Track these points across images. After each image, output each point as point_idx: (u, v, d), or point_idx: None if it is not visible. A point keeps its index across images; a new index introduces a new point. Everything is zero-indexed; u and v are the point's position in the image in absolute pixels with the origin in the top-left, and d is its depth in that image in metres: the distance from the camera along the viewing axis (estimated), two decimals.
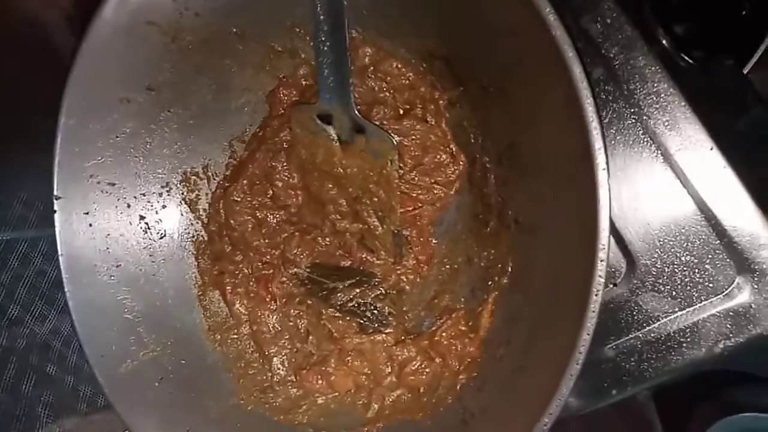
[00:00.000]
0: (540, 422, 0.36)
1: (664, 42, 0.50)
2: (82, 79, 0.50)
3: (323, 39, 0.46)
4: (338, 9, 0.45)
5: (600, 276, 0.35)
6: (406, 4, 0.49)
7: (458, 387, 0.50)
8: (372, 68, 0.53)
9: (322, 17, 0.45)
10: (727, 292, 0.47)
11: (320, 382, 0.56)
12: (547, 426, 0.37)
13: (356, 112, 0.50)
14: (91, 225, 0.54)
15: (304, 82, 0.57)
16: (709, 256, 0.48)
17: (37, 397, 0.74)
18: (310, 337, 0.56)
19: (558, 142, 0.41)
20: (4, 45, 0.69)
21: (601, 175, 0.34)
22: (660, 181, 0.49)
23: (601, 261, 0.35)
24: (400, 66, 0.53)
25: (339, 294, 0.55)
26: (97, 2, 0.48)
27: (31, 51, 0.71)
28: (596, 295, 0.35)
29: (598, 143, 0.34)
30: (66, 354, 0.76)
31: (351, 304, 0.56)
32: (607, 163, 0.34)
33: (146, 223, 0.58)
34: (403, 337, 0.54)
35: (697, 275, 0.48)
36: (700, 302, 0.49)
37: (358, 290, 0.55)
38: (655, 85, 0.48)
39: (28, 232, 0.74)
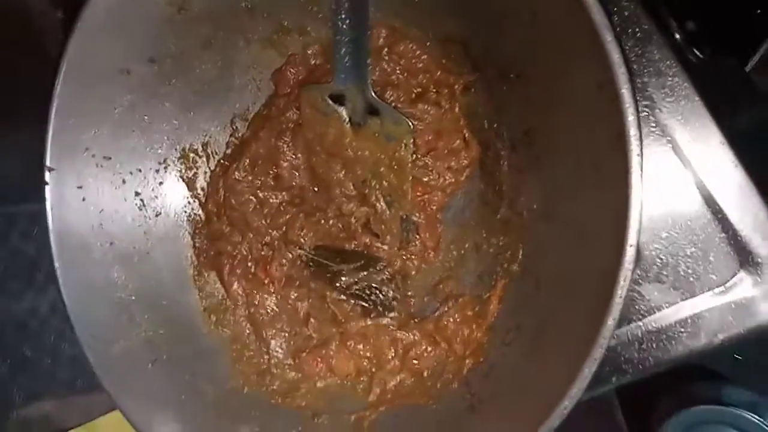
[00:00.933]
0: (560, 405, 0.37)
1: (677, 36, 0.50)
2: (82, 46, 0.48)
3: (343, 16, 0.45)
4: None
5: (629, 262, 0.35)
6: None
7: (464, 372, 0.50)
8: (386, 50, 0.53)
9: None
10: (729, 284, 0.48)
11: (320, 365, 0.55)
12: (567, 410, 0.37)
13: (373, 93, 0.49)
14: (84, 200, 0.52)
15: (312, 61, 0.56)
16: (713, 249, 0.49)
17: (13, 377, 0.71)
18: (311, 320, 0.55)
19: (583, 130, 0.41)
20: None
21: (635, 161, 0.35)
22: (668, 173, 0.49)
23: (631, 246, 0.35)
24: (414, 48, 0.52)
25: (344, 277, 0.55)
26: None
27: (8, 24, 0.68)
28: (624, 280, 0.35)
29: (633, 130, 0.34)
30: (43, 335, 0.73)
31: (356, 288, 0.55)
32: (642, 150, 0.35)
33: (141, 200, 0.56)
34: (407, 321, 0.54)
35: (701, 267, 0.50)
36: (702, 293, 0.50)
37: (363, 273, 0.55)
38: (669, 79, 0.49)
39: (4, 209, 0.72)
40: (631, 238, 0.35)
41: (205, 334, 0.57)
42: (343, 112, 0.52)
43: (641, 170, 0.35)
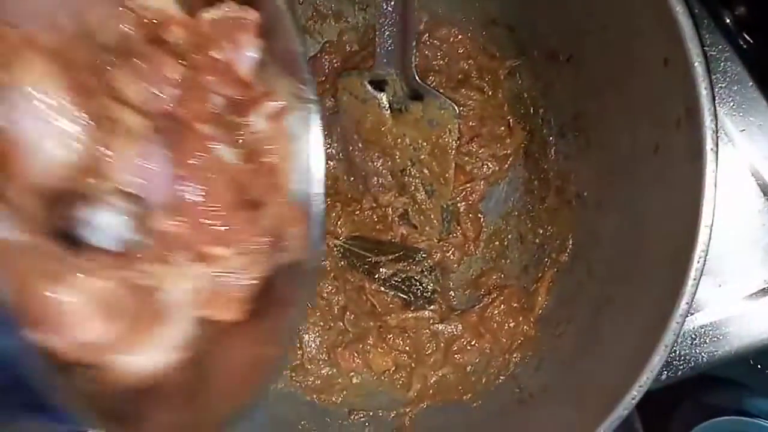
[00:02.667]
0: (628, 395, 0.35)
1: (728, 21, 0.49)
2: None
3: None
4: None
5: (704, 242, 0.33)
6: None
7: (511, 366, 0.48)
8: (427, 35, 0.51)
9: None
10: None
11: (356, 360, 0.53)
12: (636, 399, 0.35)
13: (417, 78, 0.48)
14: None
15: (348, 48, 0.55)
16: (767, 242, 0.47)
17: None
18: (347, 314, 0.54)
19: (642, 111, 0.39)
20: None
21: (710, 137, 0.33)
22: (721, 161, 0.48)
23: (706, 226, 0.33)
24: (457, 33, 0.51)
25: (382, 268, 0.53)
26: None
27: None
28: (699, 261, 0.33)
29: (707, 104, 0.33)
30: None
31: (395, 279, 0.53)
32: (717, 126, 0.33)
33: None
34: (448, 314, 0.52)
35: (754, 259, 0.48)
36: (754, 290, 0.48)
37: (401, 265, 0.53)
38: (721, 64, 0.48)
39: None
40: (706, 219, 0.33)
41: None
42: (383, 98, 0.50)
43: (716, 147, 0.33)
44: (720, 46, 0.48)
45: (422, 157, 0.51)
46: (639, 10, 0.37)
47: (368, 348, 0.52)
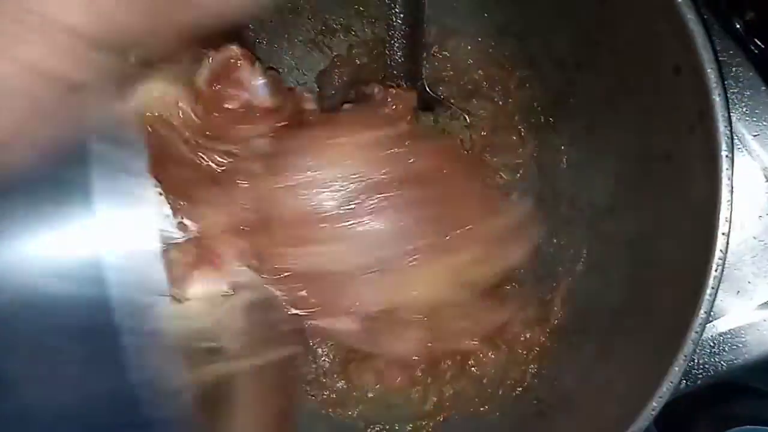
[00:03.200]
0: (647, 407, 0.34)
1: (738, 27, 0.49)
2: None
3: (396, 10, 0.44)
4: None
5: (721, 250, 0.33)
6: None
7: (528, 377, 0.48)
8: (436, 47, 0.51)
9: None
10: None
11: (369, 376, 0.52)
12: (655, 411, 0.35)
13: (428, 89, 0.48)
14: None
15: (357, 61, 0.55)
16: None
17: None
18: None
19: (654, 118, 0.39)
20: None
21: (725, 143, 0.33)
22: (735, 167, 0.47)
23: (723, 234, 0.33)
24: (466, 44, 0.51)
25: None
26: None
27: None
28: (716, 270, 0.33)
29: (722, 110, 0.33)
30: None
31: None
32: (731, 133, 0.33)
33: None
34: None
35: None
36: None
37: None
38: (733, 69, 0.47)
39: None
40: (723, 226, 0.33)
41: None
42: None
43: (732, 153, 0.33)
44: (730, 52, 0.48)
45: None
46: (649, 18, 0.37)
47: (381, 364, 0.52)
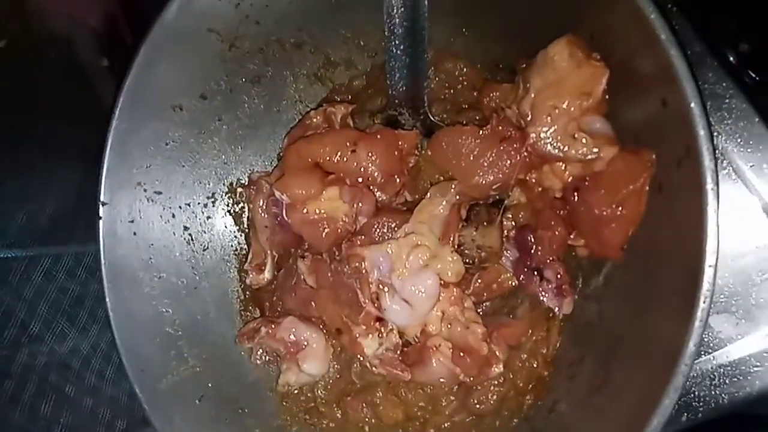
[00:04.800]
0: None
1: (731, 59, 0.49)
2: (138, 83, 0.49)
3: (397, 41, 0.46)
4: (417, 7, 0.44)
5: (708, 282, 0.33)
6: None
7: (524, 408, 0.48)
8: (432, 68, 0.52)
9: (397, 17, 0.44)
10: None
11: (365, 410, 0.52)
12: None
13: (431, 116, 0.49)
14: (135, 233, 0.52)
15: (356, 84, 0.57)
16: None
17: (56, 417, 0.70)
18: (354, 365, 0.53)
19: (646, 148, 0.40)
20: (32, 64, 0.69)
21: (710, 177, 0.33)
22: (732, 197, 0.48)
23: (710, 266, 0.33)
24: (462, 65, 0.52)
25: None
26: (135, 21, 0.47)
27: (59, 69, 0.71)
28: (704, 302, 0.33)
29: (706, 144, 0.33)
30: (84, 375, 0.73)
31: None
32: (716, 164, 0.33)
33: (190, 234, 0.56)
34: None
35: None
36: None
37: None
38: (726, 101, 0.48)
39: (52, 249, 0.73)
40: (710, 258, 0.33)
41: (251, 369, 0.55)
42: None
43: (717, 185, 0.33)
44: (724, 84, 0.48)
45: None
46: (637, 52, 0.38)
47: (377, 400, 0.52)
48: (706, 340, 0.48)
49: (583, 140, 0.40)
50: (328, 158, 0.47)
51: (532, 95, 0.42)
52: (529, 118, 0.42)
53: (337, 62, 0.57)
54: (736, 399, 0.47)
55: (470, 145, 0.46)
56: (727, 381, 0.48)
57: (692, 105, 0.34)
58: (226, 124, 0.56)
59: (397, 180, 0.48)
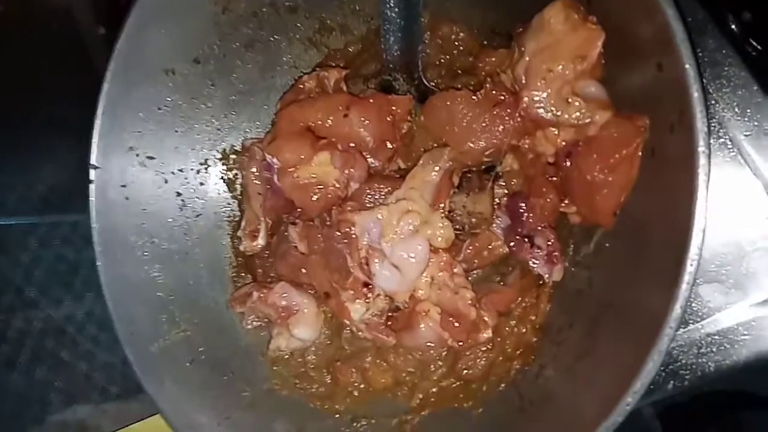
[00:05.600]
0: (622, 402, 0.34)
1: (733, 27, 0.49)
2: (129, 47, 0.48)
3: (392, 4, 0.45)
4: None
5: (697, 246, 0.33)
6: None
7: (512, 373, 0.48)
8: (428, 33, 0.52)
9: None
10: None
11: (354, 375, 0.53)
12: (630, 406, 0.35)
13: (425, 81, 0.48)
14: (127, 198, 0.52)
15: (351, 50, 0.56)
16: None
17: (51, 382, 0.71)
18: (344, 330, 0.54)
19: (640, 113, 0.39)
20: (29, 34, 0.68)
21: (702, 140, 0.33)
22: (727, 167, 0.47)
23: (699, 230, 0.33)
24: (457, 30, 0.52)
25: None
26: None
27: (56, 40, 0.70)
28: (691, 266, 0.33)
29: (699, 107, 0.33)
30: (79, 340, 0.74)
31: None
32: (709, 129, 0.33)
33: (182, 200, 0.56)
34: None
35: (764, 265, 0.47)
36: (764, 298, 0.47)
37: None
38: (725, 69, 0.47)
39: (49, 217, 0.73)
40: (699, 222, 0.33)
41: (243, 334, 0.56)
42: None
43: (708, 149, 0.33)
44: (724, 51, 0.47)
45: None
46: (633, 15, 0.37)
47: (366, 365, 0.52)
48: (695, 308, 0.48)
49: (577, 104, 0.40)
50: (319, 122, 0.47)
51: (527, 59, 0.41)
52: (523, 82, 0.41)
53: (332, 27, 0.56)
54: (722, 368, 0.48)
55: (463, 110, 0.45)
56: (714, 349, 0.48)
57: (687, 67, 0.33)
58: (219, 89, 0.56)
59: (390, 146, 0.48)
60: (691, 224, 0.33)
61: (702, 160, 0.33)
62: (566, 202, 0.45)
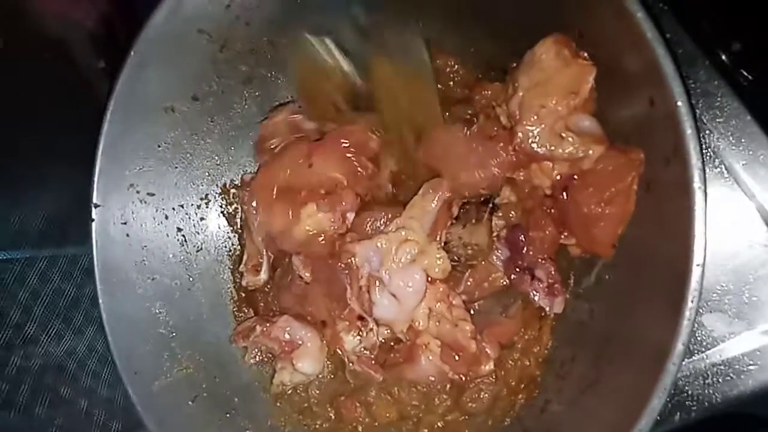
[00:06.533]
0: None
1: (724, 58, 0.49)
2: (129, 86, 0.49)
3: None
4: None
5: (697, 282, 0.33)
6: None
7: (516, 408, 0.48)
8: None
9: None
10: None
11: (359, 410, 0.52)
12: None
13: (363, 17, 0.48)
14: (128, 235, 0.52)
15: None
16: None
17: (50, 419, 0.70)
18: (348, 364, 0.53)
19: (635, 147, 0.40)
20: (28, 66, 0.69)
21: (697, 176, 0.33)
22: (724, 196, 0.47)
23: (698, 265, 0.33)
24: (453, 63, 0.52)
25: None
26: (130, 23, 0.47)
27: (55, 71, 0.71)
28: (692, 301, 0.33)
29: (693, 143, 0.33)
30: (80, 376, 0.73)
31: None
32: (703, 163, 0.33)
33: (183, 236, 0.56)
34: None
35: (766, 293, 0.47)
36: None
37: None
38: (717, 99, 0.48)
39: (47, 250, 0.73)
40: (698, 258, 0.33)
41: (245, 370, 0.55)
42: (342, 59, 0.51)
43: (704, 184, 0.33)
44: (716, 82, 0.48)
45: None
46: (624, 51, 0.38)
47: (371, 399, 0.52)
48: (698, 338, 0.48)
49: (570, 139, 0.40)
50: (290, 179, 0.48)
51: (520, 94, 0.42)
52: (517, 117, 0.42)
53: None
54: (729, 398, 0.47)
55: (457, 144, 0.46)
56: (720, 380, 0.47)
57: (679, 104, 0.34)
58: (218, 125, 0.56)
59: (364, 172, 0.48)
60: (691, 260, 0.33)
61: (698, 196, 0.33)
62: (566, 234, 0.45)
